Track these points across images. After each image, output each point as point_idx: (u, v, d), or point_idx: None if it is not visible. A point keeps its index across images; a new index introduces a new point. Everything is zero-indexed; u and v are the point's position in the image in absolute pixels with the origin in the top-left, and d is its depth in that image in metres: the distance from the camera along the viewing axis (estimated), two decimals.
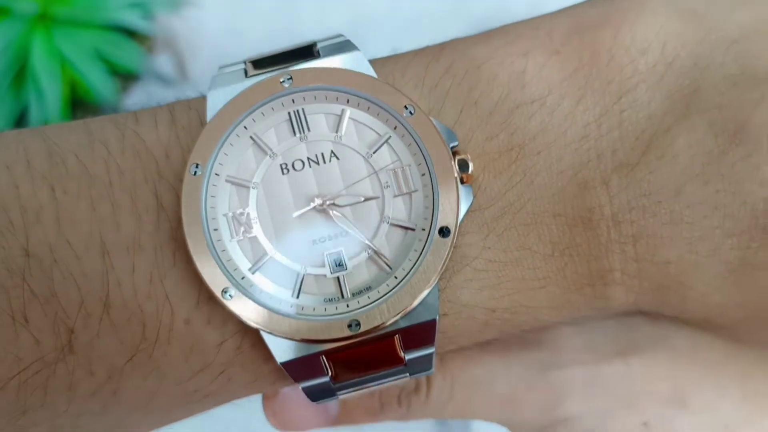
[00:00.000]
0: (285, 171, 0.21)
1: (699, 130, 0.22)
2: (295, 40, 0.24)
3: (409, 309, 0.21)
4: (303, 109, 0.22)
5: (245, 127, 0.22)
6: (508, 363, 0.26)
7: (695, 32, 0.22)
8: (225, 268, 0.21)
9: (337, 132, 0.22)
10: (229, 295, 0.20)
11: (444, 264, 0.21)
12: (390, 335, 0.21)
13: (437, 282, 0.21)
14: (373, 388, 0.22)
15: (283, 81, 0.22)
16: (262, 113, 0.22)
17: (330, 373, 0.21)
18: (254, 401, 0.27)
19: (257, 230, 0.21)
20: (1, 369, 0.20)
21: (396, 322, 0.21)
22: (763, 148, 0.21)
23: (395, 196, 0.21)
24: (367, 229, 0.21)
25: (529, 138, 0.22)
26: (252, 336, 0.21)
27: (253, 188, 0.21)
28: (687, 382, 0.25)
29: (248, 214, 0.21)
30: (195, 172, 0.21)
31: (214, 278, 0.20)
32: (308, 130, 0.22)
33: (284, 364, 0.21)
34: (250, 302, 0.20)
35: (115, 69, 0.48)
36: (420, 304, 0.21)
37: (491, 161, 0.22)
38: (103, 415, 0.22)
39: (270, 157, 0.22)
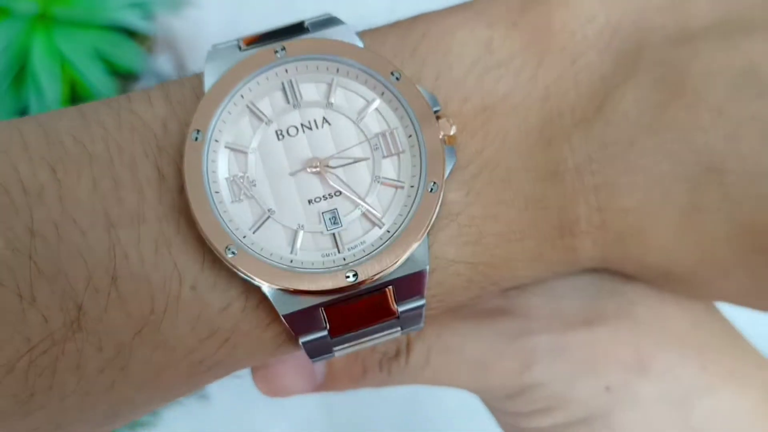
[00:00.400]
0: (280, 137, 0.23)
1: (645, 86, 0.24)
2: None
3: (401, 260, 0.22)
4: (296, 78, 0.23)
5: (242, 96, 0.23)
6: (479, 331, 0.28)
7: (633, 1, 0.25)
8: (228, 227, 0.22)
9: (328, 99, 0.23)
10: (233, 252, 0.21)
11: (432, 217, 0.22)
12: (383, 286, 0.22)
13: (426, 235, 0.22)
14: (368, 344, 0.24)
15: (277, 52, 0.23)
16: (258, 83, 0.23)
17: (327, 327, 0.22)
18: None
19: (256, 192, 0.22)
20: (10, 350, 0.20)
21: (389, 272, 0.22)
22: (700, 96, 0.23)
23: (384, 156, 0.23)
24: (360, 188, 0.23)
25: (498, 99, 0.24)
26: (255, 297, 0.22)
27: (251, 153, 0.22)
28: (649, 350, 0.27)
29: (247, 177, 0.22)
30: (196, 138, 0.22)
31: (217, 237, 0.21)
32: (301, 97, 0.23)
33: (286, 316, 0.22)
34: (252, 259, 0.21)
35: (115, 69, 0.48)
36: (411, 255, 0.22)
37: (467, 122, 0.24)
38: (110, 393, 0.22)
39: (266, 124, 0.23)
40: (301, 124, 0.23)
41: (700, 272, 0.25)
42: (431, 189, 0.22)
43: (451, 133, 0.23)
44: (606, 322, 0.27)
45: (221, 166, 0.22)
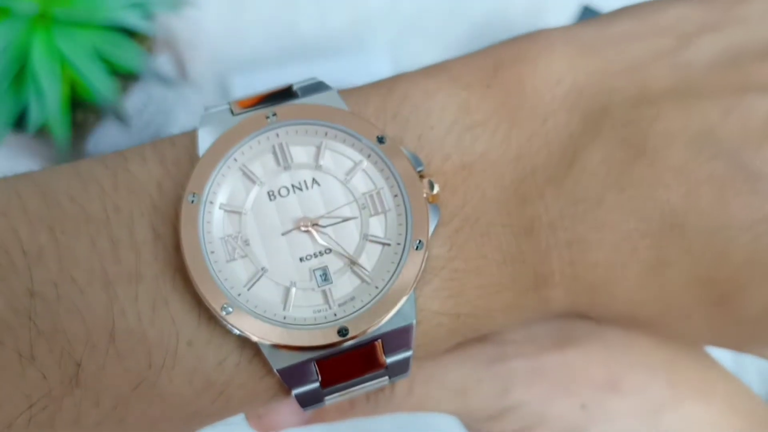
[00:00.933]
0: (272, 197, 0.24)
1: (611, 145, 0.25)
2: (296, 41, 0.25)
3: (390, 315, 0.23)
4: (286, 142, 0.25)
5: (235, 159, 0.24)
6: (459, 359, 0.29)
7: (598, 64, 0.26)
8: (223, 286, 0.23)
9: (317, 161, 0.25)
10: (228, 310, 0.22)
11: (419, 274, 0.24)
12: (373, 340, 0.24)
13: (413, 291, 0.24)
14: (357, 392, 0.25)
15: (268, 117, 0.24)
16: (250, 146, 0.24)
17: (319, 379, 0.23)
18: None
19: (249, 251, 0.23)
20: (10, 407, 0.21)
21: (378, 327, 0.23)
22: (661, 155, 0.25)
23: (371, 215, 0.24)
24: (349, 245, 0.24)
25: (476, 158, 0.25)
26: (249, 352, 0.23)
27: (244, 214, 0.24)
28: (619, 368, 0.29)
29: (241, 236, 0.23)
30: (192, 201, 0.23)
31: (213, 296, 0.22)
32: (291, 160, 0.24)
33: (280, 371, 0.23)
34: (247, 316, 0.22)
35: (115, 69, 0.48)
36: (399, 310, 0.23)
37: (449, 179, 0.25)
38: None
39: (258, 185, 0.24)
40: (292, 185, 0.24)
41: (663, 318, 0.27)
42: (417, 247, 0.24)
43: (435, 192, 0.24)
44: (577, 344, 0.29)
45: (216, 226, 0.23)
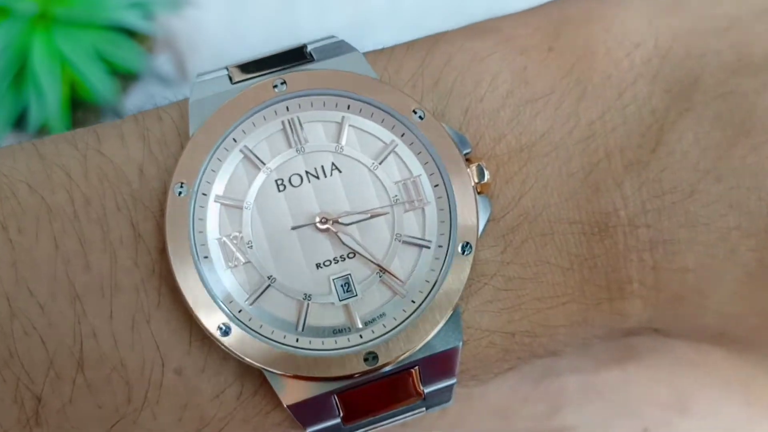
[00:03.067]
0: (281, 187, 0.19)
1: (705, 123, 0.20)
2: (296, 40, 0.22)
3: (429, 338, 0.18)
4: (298, 117, 0.20)
5: (234, 140, 0.19)
6: (501, 376, 0.25)
7: (684, 22, 0.21)
8: (220, 301, 0.18)
9: (337, 142, 0.20)
10: (226, 332, 0.18)
11: (465, 284, 0.19)
12: (409, 367, 0.19)
13: (459, 306, 0.19)
14: (386, 426, 0.20)
15: (276, 86, 0.19)
16: (253, 123, 0.20)
17: (341, 414, 0.19)
18: None
19: (253, 256, 0.19)
20: None
21: (414, 352, 0.19)
22: None
23: (406, 210, 0.19)
24: (377, 248, 0.19)
25: (537, 138, 0.21)
26: (253, 380, 0.19)
27: (246, 208, 0.19)
28: (688, 387, 0.25)
29: (242, 237, 0.19)
30: (180, 193, 0.19)
31: (207, 314, 0.18)
32: (305, 140, 0.20)
33: (292, 407, 0.18)
34: (250, 338, 0.18)
35: (115, 69, 0.48)
36: (440, 330, 0.19)
37: (502, 165, 0.20)
38: None
39: (263, 172, 0.19)
40: (306, 172, 0.19)
41: (762, 334, 0.22)
42: (463, 250, 0.19)
43: (485, 180, 0.20)
44: (640, 358, 0.25)
45: (211, 224, 0.19)
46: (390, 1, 0.62)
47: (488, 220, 0.20)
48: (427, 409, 0.20)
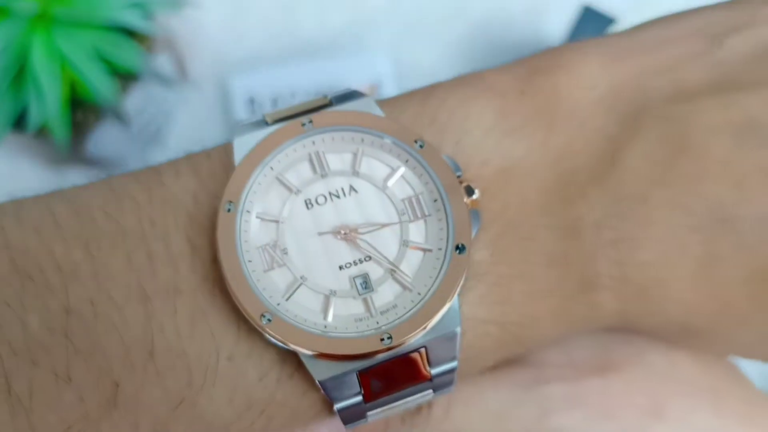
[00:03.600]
0: (309, 206, 0.24)
1: (651, 142, 0.25)
2: (296, 40, 0.25)
3: (433, 321, 0.22)
4: (323, 150, 0.24)
5: (271, 168, 0.24)
6: (497, 381, 0.28)
7: (632, 67, 0.26)
8: (262, 296, 0.22)
9: (354, 168, 0.24)
10: (268, 320, 0.22)
11: (462, 278, 0.23)
12: (416, 349, 0.23)
13: (457, 296, 0.23)
14: (401, 407, 0.24)
15: (304, 124, 0.24)
16: (286, 155, 0.24)
17: (361, 393, 0.23)
18: None
19: (288, 260, 0.23)
20: (45, 431, 0.20)
21: (422, 335, 0.22)
22: (705, 149, 0.24)
23: (411, 221, 0.24)
24: (389, 252, 0.23)
25: (516, 161, 0.25)
26: (290, 366, 0.22)
27: (281, 223, 0.23)
28: (662, 395, 0.28)
29: (279, 245, 0.23)
30: (229, 209, 0.23)
31: (253, 305, 0.22)
32: (328, 167, 0.24)
33: (322, 382, 0.22)
34: (287, 325, 0.22)
35: (115, 69, 0.48)
36: (443, 317, 0.23)
37: (488, 184, 0.25)
38: None
39: (294, 194, 0.24)
40: (329, 193, 0.24)
41: (718, 322, 0.25)
42: (459, 251, 0.23)
43: (475, 197, 0.24)
44: (619, 368, 0.28)
45: (253, 235, 0.23)
46: (390, 1, 0.62)
47: (478, 229, 0.24)
48: (434, 391, 0.24)
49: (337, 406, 0.23)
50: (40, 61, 0.45)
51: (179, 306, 0.22)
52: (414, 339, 0.22)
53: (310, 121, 0.24)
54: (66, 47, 0.46)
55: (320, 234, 0.23)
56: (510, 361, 0.28)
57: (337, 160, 0.24)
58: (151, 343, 0.21)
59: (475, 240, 0.24)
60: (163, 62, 0.53)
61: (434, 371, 0.23)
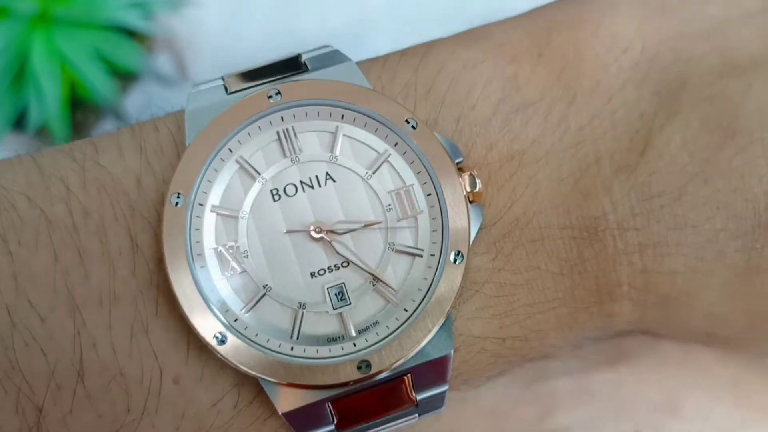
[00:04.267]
0: (276, 197, 0.19)
1: (693, 126, 0.20)
2: (296, 40, 0.23)
3: (422, 345, 0.19)
4: (293, 127, 0.20)
5: (230, 150, 0.20)
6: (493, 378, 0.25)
7: (671, 26, 0.21)
8: (215, 309, 0.18)
9: (331, 151, 0.20)
10: (221, 340, 0.18)
11: (457, 292, 0.19)
12: (401, 375, 0.19)
13: (450, 313, 0.19)
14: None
15: (270, 96, 0.20)
16: (249, 134, 0.20)
17: (335, 421, 0.19)
18: None
19: (249, 265, 0.19)
20: None
21: (407, 361, 0.19)
22: (755, 138, 0.20)
23: (399, 219, 0.20)
24: (370, 257, 0.19)
25: (527, 145, 0.21)
26: (249, 389, 0.19)
27: (242, 218, 0.19)
28: (678, 388, 0.25)
29: (238, 247, 0.19)
30: (176, 203, 0.19)
31: (204, 323, 0.18)
32: (300, 150, 0.20)
33: (287, 414, 0.19)
34: (245, 346, 0.18)
35: (115, 69, 0.48)
36: (433, 338, 0.19)
37: (493, 173, 0.21)
38: None
39: (259, 182, 0.20)
40: (301, 182, 0.20)
41: (748, 336, 0.23)
42: (455, 260, 0.19)
43: (477, 189, 0.20)
44: (630, 360, 0.25)
45: (207, 234, 0.19)
46: (390, 1, 0.62)
47: (480, 228, 0.20)
48: (419, 415, 0.21)
49: None
50: (40, 61, 0.45)
51: (115, 317, 0.18)
52: (397, 364, 0.19)
53: (278, 93, 0.20)
54: (66, 47, 0.46)
55: (289, 232, 0.19)
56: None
57: (311, 141, 0.20)
58: (80, 361, 0.18)
59: (475, 242, 0.20)
60: (163, 62, 0.53)
61: (420, 397, 0.19)
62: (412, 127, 0.20)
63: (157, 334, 0.18)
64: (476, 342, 0.21)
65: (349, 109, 0.20)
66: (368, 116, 0.20)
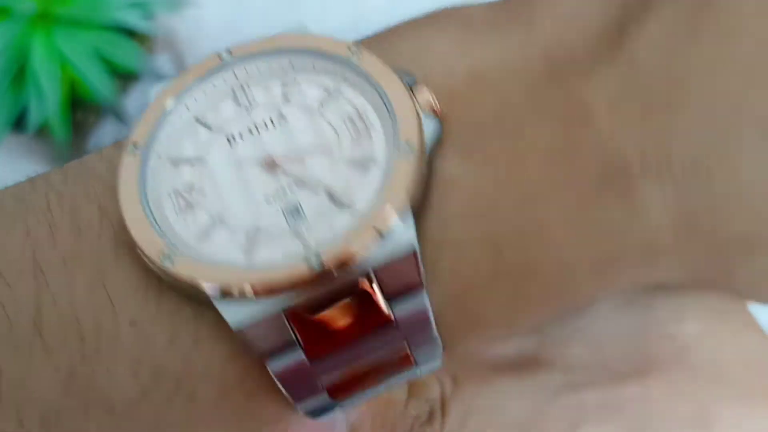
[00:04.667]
0: (231, 142, 0.20)
1: (667, 17, 0.19)
2: None
3: (374, 236, 0.17)
4: (246, 82, 0.21)
5: (187, 107, 0.21)
6: (520, 386, 0.23)
7: None
8: (171, 242, 0.18)
9: (283, 95, 0.21)
10: (171, 261, 0.17)
11: (410, 183, 0.18)
12: (361, 277, 0.17)
13: (409, 209, 0.18)
14: (379, 388, 0.19)
15: (222, 56, 0.21)
16: (204, 92, 0.21)
17: (300, 345, 0.17)
18: None
19: (204, 201, 0.19)
20: None
21: (365, 259, 0.17)
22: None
23: (353, 139, 0.20)
24: (325, 175, 0.19)
25: (491, 63, 0.19)
26: (208, 323, 0.18)
27: (197, 165, 0.20)
28: (710, 401, 0.23)
29: (195, 187, 0.19)
30: (134, 152, 0.19)
31: (156, 254, 0.18)
32: (253, 99, 0.21)
33: (240, 330, 0.17)
34: (198, 263, 0.18)
35: (115, 69, 0.48)
36: (391, 232, 0.17)
37: (455, 92, 0.20)
38: None
39: (214, 132, 0.20)
40: (255, 125, 0.20)
41: None
42: (404, 152, 0.18)
43: (429, 101, 0.19)
44: (659, 371, 0.24)
45: (163, 180, 0.20)
46: (390, 1, 0.62)
47: (439, 136, 0.19)
48: (411, 351, 0.18)
49: (271, 365, 0.17)
50: (40, 61, 0.45)
51: (78, 275, 0.18)
52: (354, 261, 0.17)
53: (229, 52, 0.21)
54: (66, 47, 0.46)
55: (243, 167, 0.19)
56: (533, 361, 0.24)
57: (263, 92, 0.21)
58: (39, 318, 0.18)
59: (442, 148, 0.19)
60: (163, 62, 0.53)
61: (397, 310, 0.17)
62: (354, 53, 0.20)
63: (116, 282, 0.18)
64: (463, 247, 0.18)
65: (296, 55, 0.21)
66: (315, 56, 0.21)
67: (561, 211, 0.18)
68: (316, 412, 0.19)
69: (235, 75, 0.21)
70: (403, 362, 0.18)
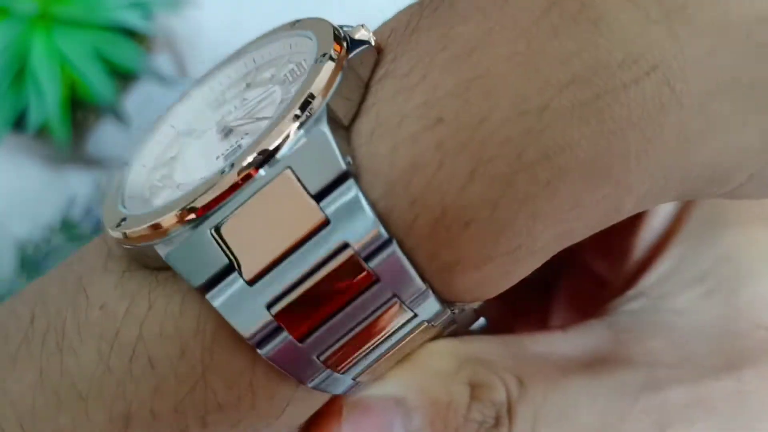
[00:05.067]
0: (198, 137, 0.20)
1: None
2: None
3: (283, 133, 0.16)
4: (221, 93, 0.22)
5: (172, 126, 0.22)
6: (594, 388, 0.21)
7: None
8: (130, 213, 0.18)
9: (246, 85, 0.21)
10: (127, 225, 0.17)
11: (323, 82, 0.16)
12: (278, 170, 0.15)
13: (323, 104, 0.16)
14: (378, 351, 0.17)
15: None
16: (187, 107, 0.22)
17: (238, 269, 0.15)
18: None
19: (169, 182, 0.19)
20: None
21: (282, 150, 0.15)
22: None
23: (291, 83, 0.19)
24: (264, 114, 0.18)
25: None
26: (162, 283, 0.17)
27: (168, 163, 0.20)
28: None
29: (167, 177, 0.20)
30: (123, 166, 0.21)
31: (114, 217, 0.18)
32: (223, 97, 0.22)
33: (168, 255, 0.16)
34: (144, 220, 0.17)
35: (115, 69, 0.48)
36: (302, 124, 0.16)
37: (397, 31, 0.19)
38: None
39: (192, 138, 0.21)
40: (222, 117, 0.20)
41: None
42: (318, 60, 0.17)
43: (366, 33, 0.19)
44: (755, 364, 0.21)
45: (139, 182, 0.20)
46: (390, 1, 0.62)
47: (364, 49, 0.18)
48: (411, 310, 0.16)
49: (263, 352, 0.15)
50: (40, 61, 0.45)
51: (69, 278, 0.18)
52: (262, 146, 0.15)
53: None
54: (66, 47, 0.46)
55: (201, 140, 0.20)
56: (608, 359, 0.22)
57: (233, 90, 0.22)
58: (31, 324, 0.18)
59: (369, 58, 0.18)
60: (163, 62, 0.53)
61: (325, 205, 0.15)
62: (296, 27, 0.22)
63: (94, 278, 0.18)
64: (403, 123, 0.15)
65: (252, 52, 0.22)
66: (265, 43, 0.22)
67: (519, 71, 0.15)
68: (333, 388, 0.17)
69: (211, 89, 0.22)
70: (395, 312, 0.16)
